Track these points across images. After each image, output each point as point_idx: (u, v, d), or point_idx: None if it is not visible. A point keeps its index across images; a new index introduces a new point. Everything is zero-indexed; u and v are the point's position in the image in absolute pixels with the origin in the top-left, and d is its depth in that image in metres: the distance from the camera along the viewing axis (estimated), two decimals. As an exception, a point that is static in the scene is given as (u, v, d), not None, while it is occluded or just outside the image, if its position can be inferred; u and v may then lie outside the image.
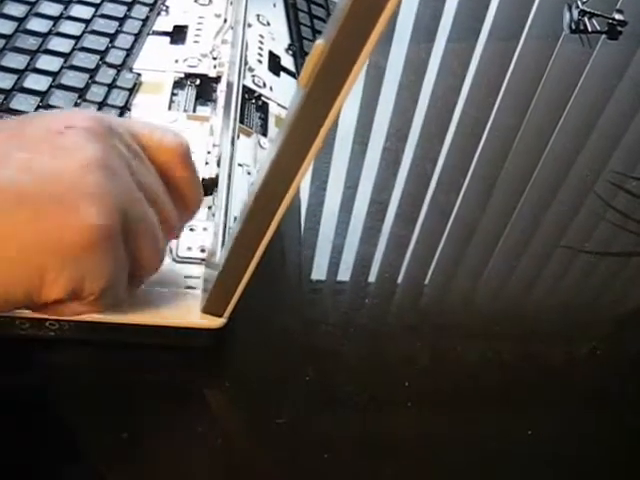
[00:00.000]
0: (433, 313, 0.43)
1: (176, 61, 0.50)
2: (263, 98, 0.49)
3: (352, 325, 0.40)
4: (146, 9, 0.53)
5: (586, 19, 0.66)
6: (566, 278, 0.46)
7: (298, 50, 0.55)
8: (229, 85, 0.47)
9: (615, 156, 0.55)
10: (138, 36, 0.51)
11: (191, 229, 0.40)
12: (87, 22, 0.50)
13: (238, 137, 0.44)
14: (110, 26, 0.51)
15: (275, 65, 0.53)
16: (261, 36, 0.54)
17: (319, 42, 0.26)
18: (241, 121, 0.46)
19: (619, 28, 0.66)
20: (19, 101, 0.43)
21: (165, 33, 0.52)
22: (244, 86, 0.48)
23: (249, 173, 0.44)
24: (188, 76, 0.49)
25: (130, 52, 0.49)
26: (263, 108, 0.49)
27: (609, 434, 0.38)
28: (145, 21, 0.52)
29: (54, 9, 0.50)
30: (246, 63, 0.50)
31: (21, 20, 0.49)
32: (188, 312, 0.36)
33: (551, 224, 0.49)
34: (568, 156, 0.54)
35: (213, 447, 0.34)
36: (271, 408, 0.36)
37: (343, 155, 0.50)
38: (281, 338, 0.39)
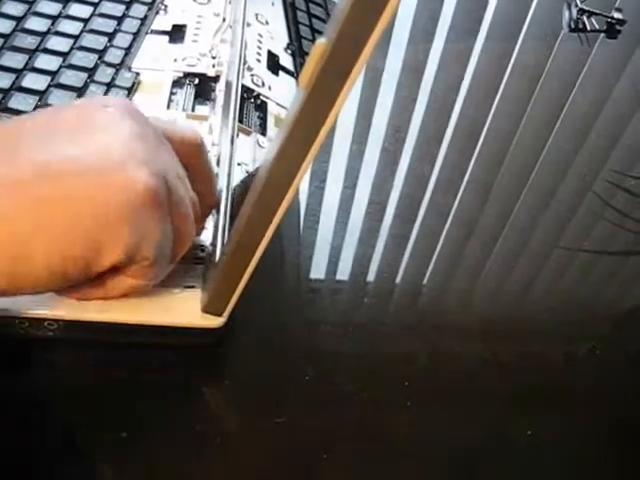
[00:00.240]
0: (432, 313, 0.43)
1: (175, 60, 0.50)
2: (262, 97, 0.49)
3: (351, 325, 0.40)
4: (145, 8, 0.53)
5: (585, 18, 0.66)
6: (565, 278, 0.46)
7: (297, 49, 0.55)
8: (228, 84, 0.47)
9: (614, 155, 0.55)
10: (137, 35, 0.51)
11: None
12: (86, 21, 0.50)
13: (237, 136, 0.44)
14: (109, 25, 0.50)
15: (274, 64, 0.52)
16: (260, 35, 0.54)
17: (320, 42, 0.26)
18: (240, 120, 0.46)
19: (618, 27, 0.66)
20: (17, 100, 0.43)
21: (164, 32, 0.52)
22: (243, 85, 0.48)
23: (248, 172, 0.44)
24: (187, 75, 0.49)
25: (129, 51, 0.49)
26: (262, 107, 0.49)
27: (609, 434, 0.38)
28: (144, 20, 0.52)
29: (53, 8, 0.50)
30: (245, 62, 0.50)
31: (19, 19, 0.49)
32: (188, 312, 0.36)
33: (550, 223, 0.49)
34: (567, 155, 0.54)
35: (212, 446, 0.34)
36: (271, 407, 0.36)
37: (342, 155, 0.50)
38: (280, 337, 0.39)
